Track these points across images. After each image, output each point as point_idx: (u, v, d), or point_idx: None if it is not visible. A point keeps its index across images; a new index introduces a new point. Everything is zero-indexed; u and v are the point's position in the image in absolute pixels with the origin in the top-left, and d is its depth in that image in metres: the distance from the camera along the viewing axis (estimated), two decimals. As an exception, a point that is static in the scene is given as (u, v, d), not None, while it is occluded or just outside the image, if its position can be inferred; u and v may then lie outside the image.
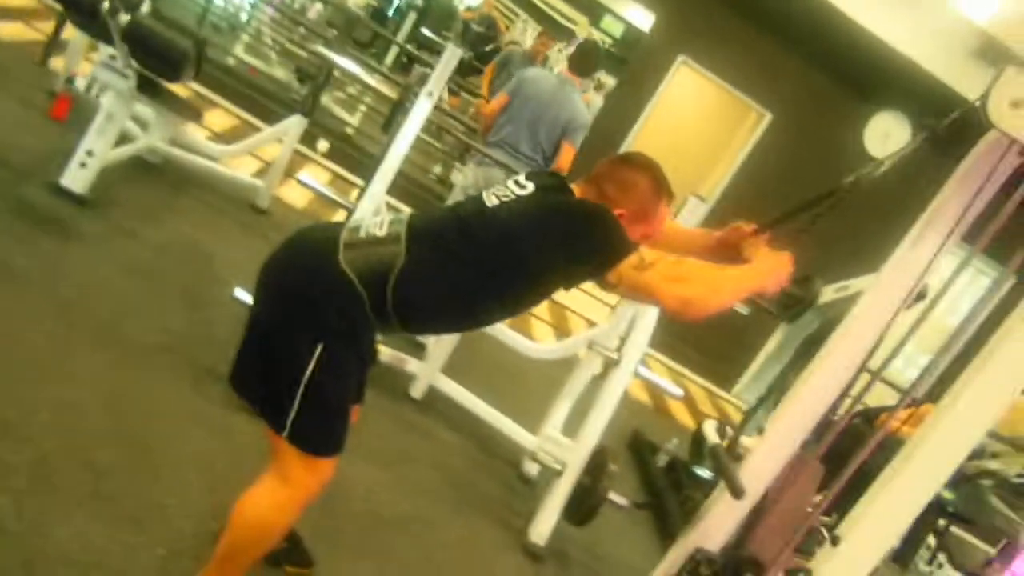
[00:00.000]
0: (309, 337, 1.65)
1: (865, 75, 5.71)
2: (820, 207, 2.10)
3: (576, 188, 1.83)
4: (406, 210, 2.09)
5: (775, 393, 3.55)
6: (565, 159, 4.09)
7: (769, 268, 1.87)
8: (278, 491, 1.76)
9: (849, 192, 2.30)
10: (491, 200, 1.76)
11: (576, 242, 1.69)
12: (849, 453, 2.49)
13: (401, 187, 4.83)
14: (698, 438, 2.26)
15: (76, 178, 3.40)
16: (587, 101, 8.57)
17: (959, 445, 1.99)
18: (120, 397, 2.45)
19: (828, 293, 3.89)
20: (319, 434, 1.73)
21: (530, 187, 1.77)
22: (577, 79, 4.20)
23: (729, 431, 2.22)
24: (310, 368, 1.64)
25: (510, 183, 1.80)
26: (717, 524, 2.15)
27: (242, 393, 1.83)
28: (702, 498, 3.65)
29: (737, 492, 1.85)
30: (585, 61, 4.27)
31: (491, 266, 1.72)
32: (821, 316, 3.96)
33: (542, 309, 5.66)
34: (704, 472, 3.57)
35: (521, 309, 1.90)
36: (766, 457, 2.12)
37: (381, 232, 1.73)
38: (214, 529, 2.11)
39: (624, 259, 1.66)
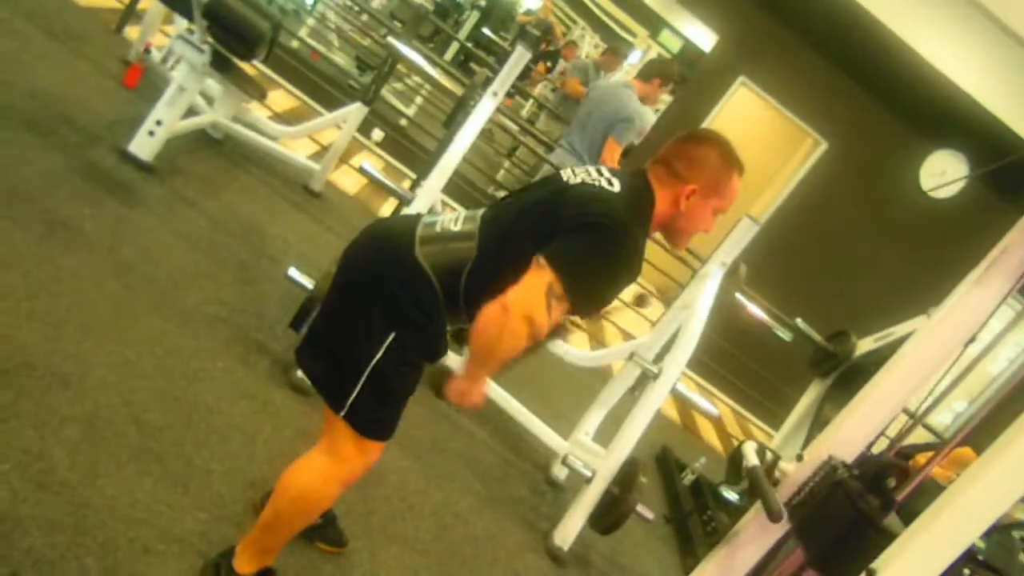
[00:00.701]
0: (383, 326, 1.68)
1: (926, 111, 5.64)
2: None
3: (651, 172, 1.81)
4: (459, 208, 2.07)
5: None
6: (608, 154, 4.22)
7: (478, 385, 1.70)
8: (326, 466, 1.80)
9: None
10: (573, 179, 1.74)
11: (588, 251, 1.60)
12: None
13: (452, 183, 4.88)
14: (736, 458, 2.26)
15: (143, 145, 3.49)
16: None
17: (1003, 496, 1.96)
18: (172, 362, 2.51)
19: (866, 344, 3.86)
20: (375, 419, 1.77)
21: (617, 187, 1.71)
22: (639, 84, 4.38)
23: (769, 455, 2.22)
24: (378, 355, 1.68)
25: (595, 171, 1.75)
26: (749, 544, 2.16)
27: (305, 367, 1.87)
28: (726, 520, 3.67)
29: (775, 515, 1.86)
30: (648, 68, 4.57)
31: (544, 236, 1.63)
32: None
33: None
34: (730, 494, 3.56)
35: None
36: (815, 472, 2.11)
37: (456, 227, 1.75)
38: (252, 499, 2.18)
39: (575, 289, 1.55)
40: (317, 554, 2.19)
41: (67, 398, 2.11)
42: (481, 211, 1.83)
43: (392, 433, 1.81)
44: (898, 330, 3.64)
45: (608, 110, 4.25)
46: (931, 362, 2.27)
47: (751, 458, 2.15)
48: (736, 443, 5.75)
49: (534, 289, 1.53)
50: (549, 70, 10.98)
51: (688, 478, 4.06)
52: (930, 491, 2.64)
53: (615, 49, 7.13)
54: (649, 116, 4.66)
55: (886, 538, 1.84)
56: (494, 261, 1.70)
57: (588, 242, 1.61)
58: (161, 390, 2.37)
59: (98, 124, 3.66)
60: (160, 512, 1.98)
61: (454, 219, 1.79)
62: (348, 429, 1.73)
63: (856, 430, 2.29)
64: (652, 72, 4.44)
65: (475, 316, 1.75)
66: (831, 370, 3.81)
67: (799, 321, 3.91)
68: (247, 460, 2.34)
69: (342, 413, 1.71)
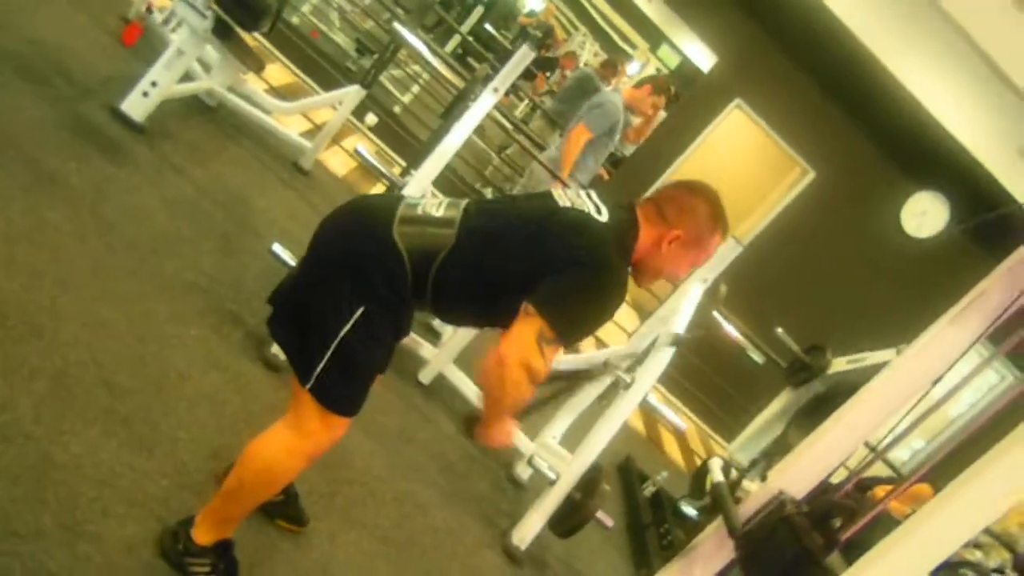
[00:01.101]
0: (352, 299, 1.68)
1: (914, 151, 5.73)
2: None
3: (640, 208, 1.86)
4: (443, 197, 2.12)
5: (771, 454, 3.56)
6: (574, 135, 4.54)
7: (500, 428, 1.87)
8: (291, 439, 1.79)
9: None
10: (563, 202, 1.79)
11: (574, 294, 1.68)
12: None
13: (440, 174, 4.88)
14: (701, 473, 2.30)
15: (136, 105, 3.45)
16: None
17: (955, 536, 1.99)
18: (146, 325, 2.49)
19: (840, 364, 3.92)
20: (340, 393, 1.76)
21: (604, 216, 1.76)
22: (630, 89, 4.74)
23: (734, 472, 2.25)
24: (346, 328, 1.68)
25: (585, 196, 1.81)
26: (705, 559, 2.18)
27: (277, 337, 1.87)
28: (682, 536, 3.70)
29: (736, 532, 1.88)
30: (643, 79, 4.97)
31: (527, 259, 1.72)
32: (828, 381, 3.98)
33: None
34: (689, 510, 3.60)
35: None
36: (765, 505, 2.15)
37: (438, 213, 1.77)
38: (216, 469, 2.16)
39: (565, 332, 1.65)
40: (276, 531, 2.18)
41: (38, 350, 2.09)
42: (464, 202, 1.84)
43: (357, 409, 1.80)
44: (871, 356, 3.70)
45: (587, 106, 4.60)
46: (899, 396, 2.31)
47: (716, 474, 2.18)
48: (699, 460, 5.80)
49: (525, 338, 1.61)
50: (547, 78, 11.01)
51: (649, 490, 4.09)
52: (885, 525, 2.68)
53: (614, 61, 7.19)
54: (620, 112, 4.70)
55: (827, 576, 1.89)
56: (471, 258, 1.73)
57: (573, 283, 1.67)
58: (133, 352, 2.34)
59: (92, 79, 3.61)
60: (122, 474, 1.96)
61: (437, 204, 1.80)
62: (313, 403, 1.73)
63: (819, 459, 2.33)
64: (644, 80, 4.71)
65: (438, 307, 1.80)
66: (804, 381, 3.87)
67: (779, 330, 3.94)
68: (214, 430, 2.32)
69: (307, 386, 1.71)
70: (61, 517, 1.76)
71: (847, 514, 1.97)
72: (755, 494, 2.21)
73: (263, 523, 2.15)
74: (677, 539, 3.66)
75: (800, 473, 2.31)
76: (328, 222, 1.82)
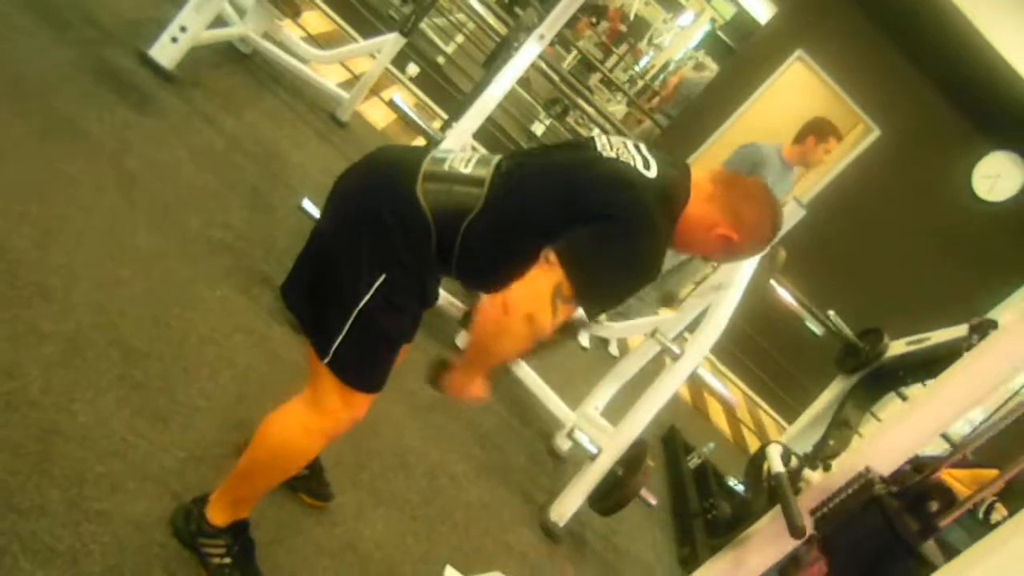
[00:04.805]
0: (372, 265, 1.51)
1: (990, 108, 5.32)
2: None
3: (704, 174, 1.64)
4: (481, 149, 1.90)
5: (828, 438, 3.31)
6: None
7: (477, 380, 1.56)
8: (308, 417, 1.64)
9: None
10: (606, 151, 1.55)
11: (605, 251, 1.45)
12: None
13: (484, 129, 4.66)
14: (758, 459, 2.12)
15: (165, 51, 3.30)
16: (680, 77, 8.34)
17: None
18: (167, 285, 2.36)
19: (898, 347, 3.65)
20: (361, 367, 1.61)
21: (652, 171, 1.53)
22: (793, 147, 4.54)
23: (793, 460, 2.06)
24: (366, 297, 1.51)
25: (632, 147, 1.58)
26: (758, 552, 2.00)
27: (291, 307, 1.71)
28: (728, 510, 3.52)
29: (798, 531, 1.69)
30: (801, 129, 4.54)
31: (558, 216, 1.48)
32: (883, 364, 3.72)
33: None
34: (736, 484, 3.41)
35: None
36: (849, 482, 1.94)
37: (466, 169, 1.57)
38: (237, 441, 2.03)
39: (585, 293, 1.41)
40: (299, 507, 2.05)
41: (49, 313, 1.96)
42: (497, 158, 1.63)
43: (381, 386, 1.64)
44: (935, 336, 3.43)
45: None
46: (989, 380, 2.07)
47: (775, 463, 1.99)
48: (747, 430, 5.59)
49: (540, 289, 1.38)
50: (594, 25, 10.72)
51: (694, 462, 3.91)
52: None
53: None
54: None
55: (924, 568, 1.67)
56: (501, 222, 1.53)
57: (605, 239, 1.44)
58: (152, 315, 2.21)
59: (118, 23, 3.46)
60: (136, 446, 1.84)
61: (465, 160, 1.59)
62: (332, 378, 1.57)
63: (905, 436, 2.10)
64: (805, 131, 4.37)
65: (463, 274, 1.60)
66: (858, 368, 3.63)
67: (831, 314, 3.70)
68: (236, 399, 2.19)
69: (326, 360, 1.55)
70: (67, 493, 1.64)
71: (946, 497, 1.74)
72: (830, 475, 2.01)
73: (285, 497, 2.02)
74: (722, 515, 3.48)
75: (881, 452, 2.09)
76: (346, 178, 1.64)
